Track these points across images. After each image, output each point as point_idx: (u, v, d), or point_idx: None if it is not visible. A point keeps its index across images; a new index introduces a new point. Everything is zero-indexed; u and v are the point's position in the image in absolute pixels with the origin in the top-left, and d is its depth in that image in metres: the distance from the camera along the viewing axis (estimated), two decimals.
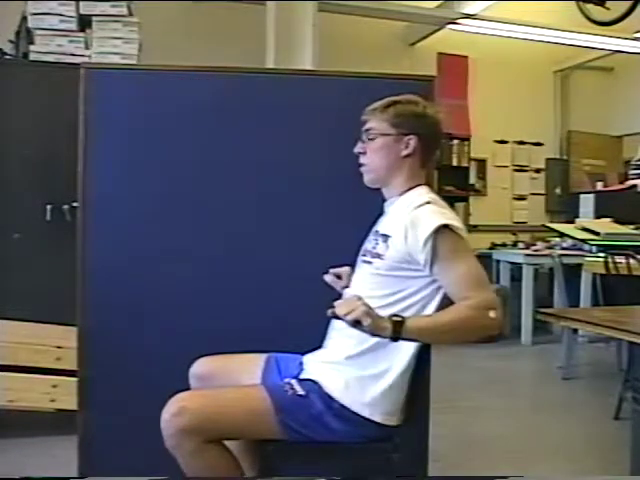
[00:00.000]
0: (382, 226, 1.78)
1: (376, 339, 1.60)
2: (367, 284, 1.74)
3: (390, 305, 1.66)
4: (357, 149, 1.80)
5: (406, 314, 1.61)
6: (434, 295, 1.68)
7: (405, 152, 1.75)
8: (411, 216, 1.64)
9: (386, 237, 1.71)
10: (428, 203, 1.67)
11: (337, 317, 1.54)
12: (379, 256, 1.71)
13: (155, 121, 2.21)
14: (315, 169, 2.26)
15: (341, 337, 1.74)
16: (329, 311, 1.56)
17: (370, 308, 1.52)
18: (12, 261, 3.09)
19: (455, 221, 1.63)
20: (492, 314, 1.54)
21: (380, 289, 1.69)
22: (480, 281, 1.61)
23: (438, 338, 1.61)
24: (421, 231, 1.60)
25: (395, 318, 1.53)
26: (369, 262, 1.75)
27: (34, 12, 3.29)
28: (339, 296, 1.84)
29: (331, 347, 1.79)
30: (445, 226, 1.60)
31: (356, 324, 1.50)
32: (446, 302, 1.65)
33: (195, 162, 2.23)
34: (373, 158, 1.77)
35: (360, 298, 1.54)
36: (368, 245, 1.80)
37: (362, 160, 1.80)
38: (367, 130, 1.79)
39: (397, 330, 1.52)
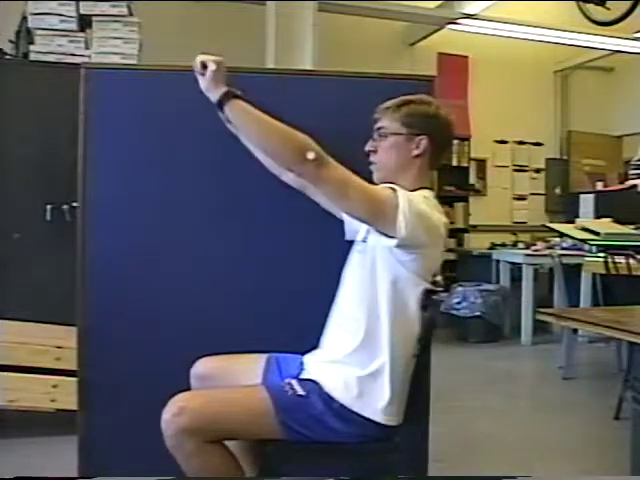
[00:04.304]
0: None
1: (367, 329, 1.65)
2: (355, 269, 1.77)
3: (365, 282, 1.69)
4: (368, 147, 1.81)
5: (384, 295, 1.66)
6: (409, 288, 1.67)
7: (416, 152, 1.76)
8: None
9: None
10: (423, 198, 1.68)
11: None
12: (364, 240, 1.75)
13: (155, 121, 2.21)
14: None
15: (339, 332, 1.76)
16: None
17: (223, 65, 1.67)
18: (12, 261, 3.09)
19: (414, 207, 1.60)
20: (311, 155, 1.56)
21: (363, 272, 1.71)
22: (342, 171, 1.60)
23: (257, 130, 1.66)
24: None
25: (232, 89, 1.65)
26: (358, 250, 1.78)
27: (34, 12, 3.30)
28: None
29: (330, 344, 1.79)
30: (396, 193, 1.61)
31: (203, 67, 1.67)
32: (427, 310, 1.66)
33: (195, 162, 2.22)
34: (383, 156, 1.78)
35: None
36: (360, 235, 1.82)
37: (372, 158, 1.81)
38: (379, 128, 1.79)
39: (229, 96, 1.64)
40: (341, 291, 1.81)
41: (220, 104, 1.66)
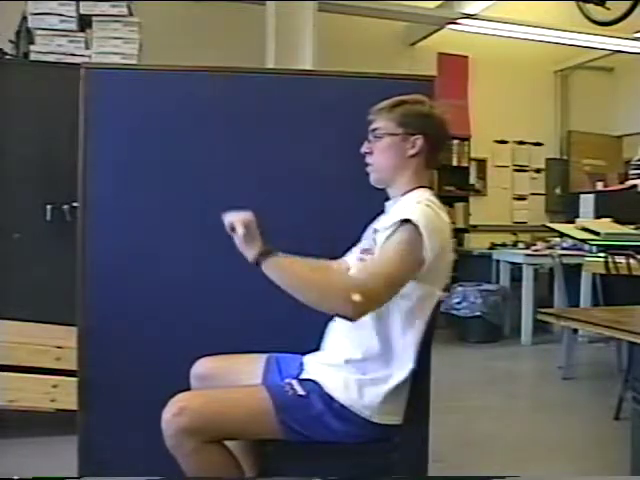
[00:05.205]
0: (377, 223, 1.77)
1: (371, 343, 1.64)
2: None
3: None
4: (363, 149, 1.80)
5: (395, 312, 1.63)
6: (424, 300, 1.66)
7: (411, 152, 1.75)
8: (405, 210, 1.63)
9: (376, 231, 1.71)
10: (427, 206, 1.65)
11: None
12: (367, 251, 1.73)
13: (155, 121, 2.21)
14: (315, 169, 2.26)
15: (338, 338, 1.75)
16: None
17: (252, 224, 1.60)
18: (12, 261, 3.09)
19: (433, 225, 1.60)
20: (356, 297, 1.50)
21: None
22: (382, 277, 1.56)
23: (294, 287, 1.60)
24: (396, 217, 1.61)
25: (266, 246, 1.59)
26: (362, 259, 1.76)
27: (34, 12, 3.30)
28: None
29: (329, 349, 1.79)
30: (413, 222, 1.58)
31: (232, 230, 1.62)
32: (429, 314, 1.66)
33: (195, 162, 2.23)
34: (379, 158, 1.77)
35: (252, 215, 1.62)
36: (364, 242, 1.80)
37: (368, 160, 1.80)
38: (374, 130, 1.78)
39: (263, 255, 1.59)
40: None
41: (256, 264, 1.61)
